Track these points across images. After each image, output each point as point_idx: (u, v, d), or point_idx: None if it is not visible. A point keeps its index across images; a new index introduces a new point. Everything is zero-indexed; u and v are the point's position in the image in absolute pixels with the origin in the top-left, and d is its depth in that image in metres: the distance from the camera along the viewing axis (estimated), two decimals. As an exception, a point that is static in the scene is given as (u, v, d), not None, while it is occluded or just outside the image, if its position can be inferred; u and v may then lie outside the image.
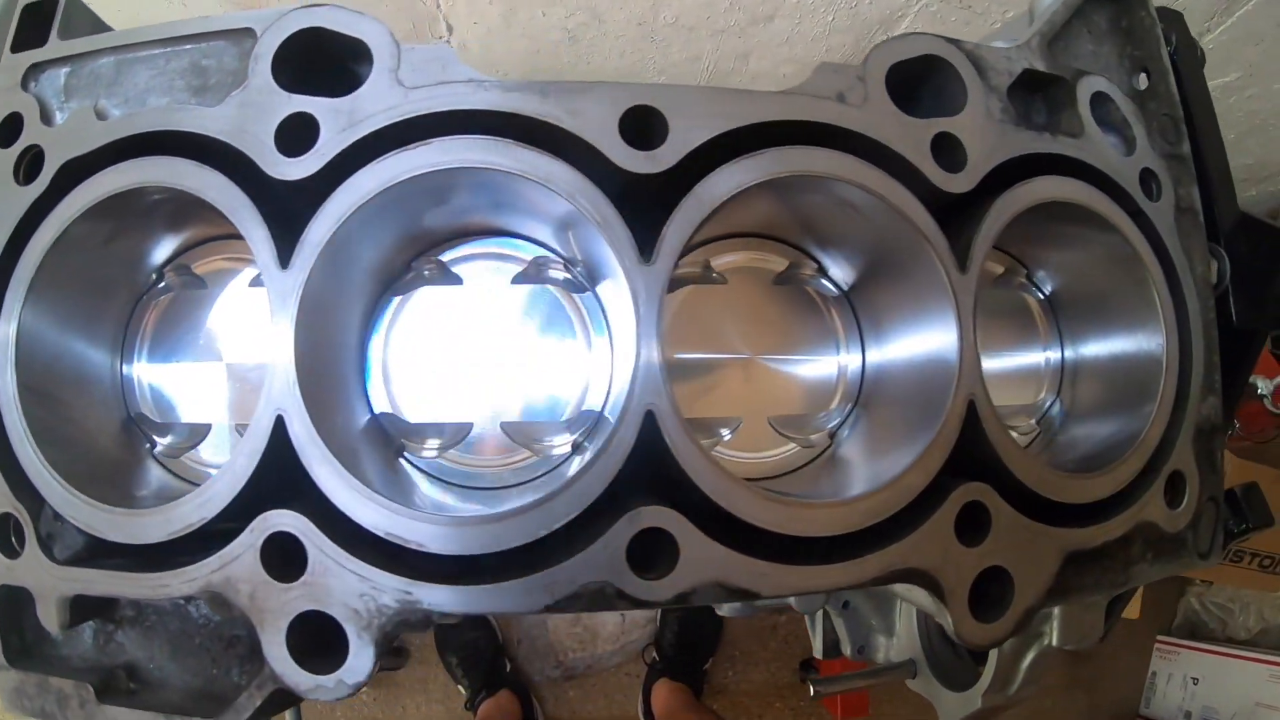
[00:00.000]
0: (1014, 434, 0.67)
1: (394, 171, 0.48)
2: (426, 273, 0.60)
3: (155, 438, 0.59)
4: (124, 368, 0.59)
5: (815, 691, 0.95)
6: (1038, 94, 0.62)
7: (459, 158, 0.48)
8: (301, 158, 0.47)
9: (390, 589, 0.45)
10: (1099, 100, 0.61)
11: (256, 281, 0.57)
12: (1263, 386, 0.93)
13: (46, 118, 0.53)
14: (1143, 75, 0.68)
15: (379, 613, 0.45)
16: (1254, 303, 0.72)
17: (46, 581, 0.48)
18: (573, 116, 0.49)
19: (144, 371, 0.60)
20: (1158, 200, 0.61)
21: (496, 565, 0.47)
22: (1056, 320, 0.70)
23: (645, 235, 0.49)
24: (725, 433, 0.63)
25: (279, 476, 0.46)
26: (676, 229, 0.49)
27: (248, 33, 0.51)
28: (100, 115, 0.52)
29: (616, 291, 0.50)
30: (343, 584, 0.45)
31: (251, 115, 0.48)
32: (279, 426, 0.46)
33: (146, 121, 0.50)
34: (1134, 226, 0.60)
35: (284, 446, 0.46)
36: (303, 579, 0.45)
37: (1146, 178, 0.61)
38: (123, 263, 0.58)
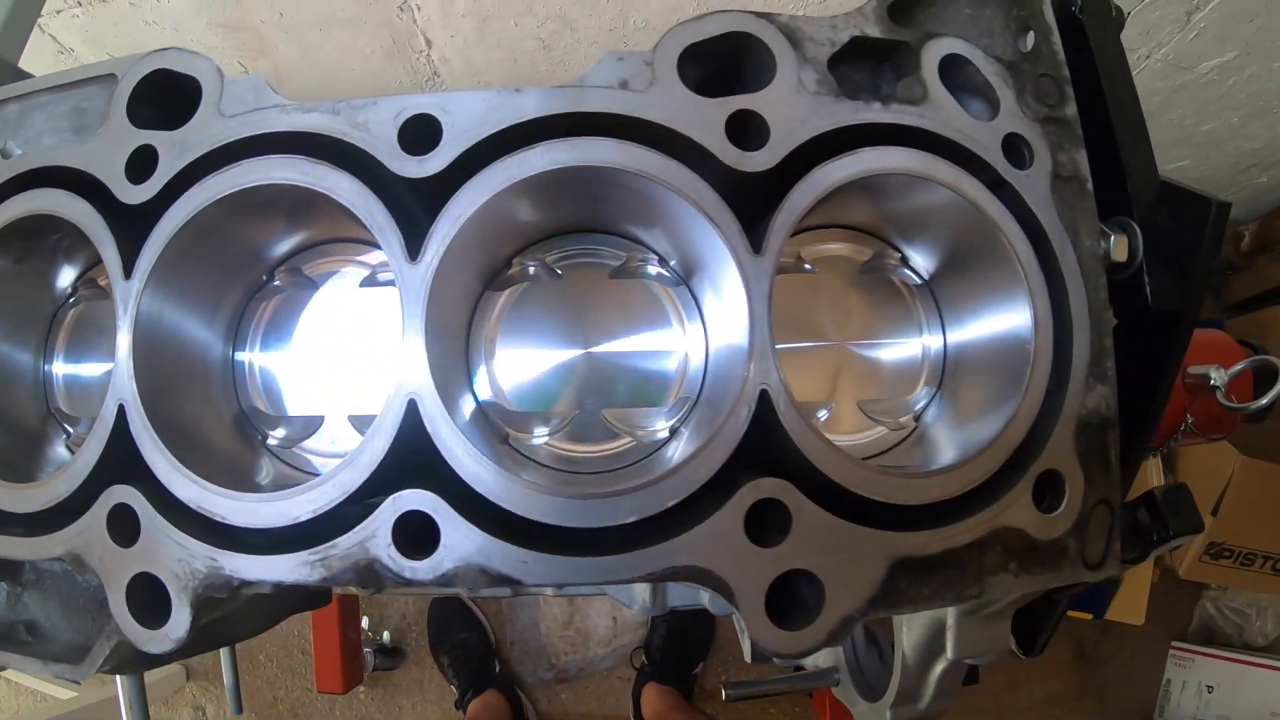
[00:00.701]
0: (883, 428, 0.60)
1: (206, 195, 0.49)
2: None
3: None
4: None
5: (727, 695, 0.88)
6: (884, 62, 0.53)
7: (260, 176, 0.48)
8: (145, 184, 0.49)
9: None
10: (951, 63, 0.50)
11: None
12: (1216, 377, 0.81)
13: None
14: (1029, 35, 0.60)
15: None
16: (1174, 280, 0.63)
17: None
18: (358, 130, 0.47)
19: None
20: (1028, 168, 0.50)
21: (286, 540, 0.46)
22: (938, 307, 0.62)
23: (413, 239, 0.47)
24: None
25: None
26: (444, 225, 0.46)
27: (111, 77, 0.53)
28: (5, 155, 0.57)
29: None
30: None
31: (109, 149, 0.51)
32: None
33: (36, 159, 0.54)
34: (991, 197, 0.48)
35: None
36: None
37: (1013, 143, 0.50)
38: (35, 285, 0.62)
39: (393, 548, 0.44)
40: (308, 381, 0.60)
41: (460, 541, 0.43)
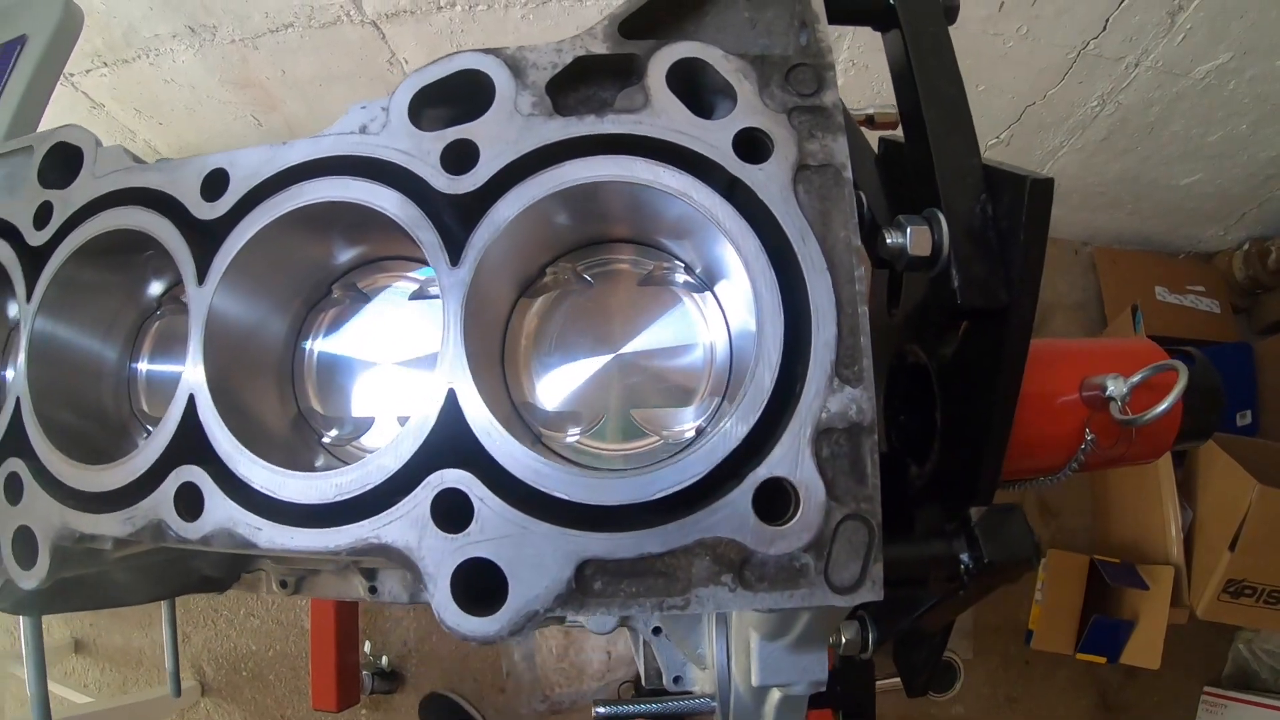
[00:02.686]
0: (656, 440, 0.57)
1: (79, 238, 0.59)
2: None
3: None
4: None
5: (596, 715, 0.84)
6: (617, 73, 0.52)
7: (113, 222, 0.57)
8: (42, 231, 0.60)
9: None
10: (684, 69, 0.50)
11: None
12: (1113, 388, 0.72)
13: None
14: (803, 31, 0.58)
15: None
16: (989, 272, 0.57)
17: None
18: (172, 184, 0.55)
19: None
20: (764, 161, 0.51)
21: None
22: (722, 309, 0.60)
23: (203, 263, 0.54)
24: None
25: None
26: (224, 254, 0.53)
27: (29, 149, 0.64)
28: None
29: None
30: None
31: (21, 205, 0.62)
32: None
33: None
34: (708, 192, 0.48)
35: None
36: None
37: (747, 139, 0.50)
38: None
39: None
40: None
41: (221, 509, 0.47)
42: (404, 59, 1.75)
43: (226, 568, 0.94)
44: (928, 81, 0.61)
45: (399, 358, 0.62)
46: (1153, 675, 1.81)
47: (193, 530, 0.49)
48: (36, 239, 0.60)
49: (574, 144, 0.48)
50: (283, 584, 1.06)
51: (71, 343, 0.64)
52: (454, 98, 0.51)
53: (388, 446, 0.45)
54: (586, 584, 0.43)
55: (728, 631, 0.86)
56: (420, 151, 0.49)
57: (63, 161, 0.62)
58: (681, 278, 0.58)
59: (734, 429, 0.45)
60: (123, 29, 1.74)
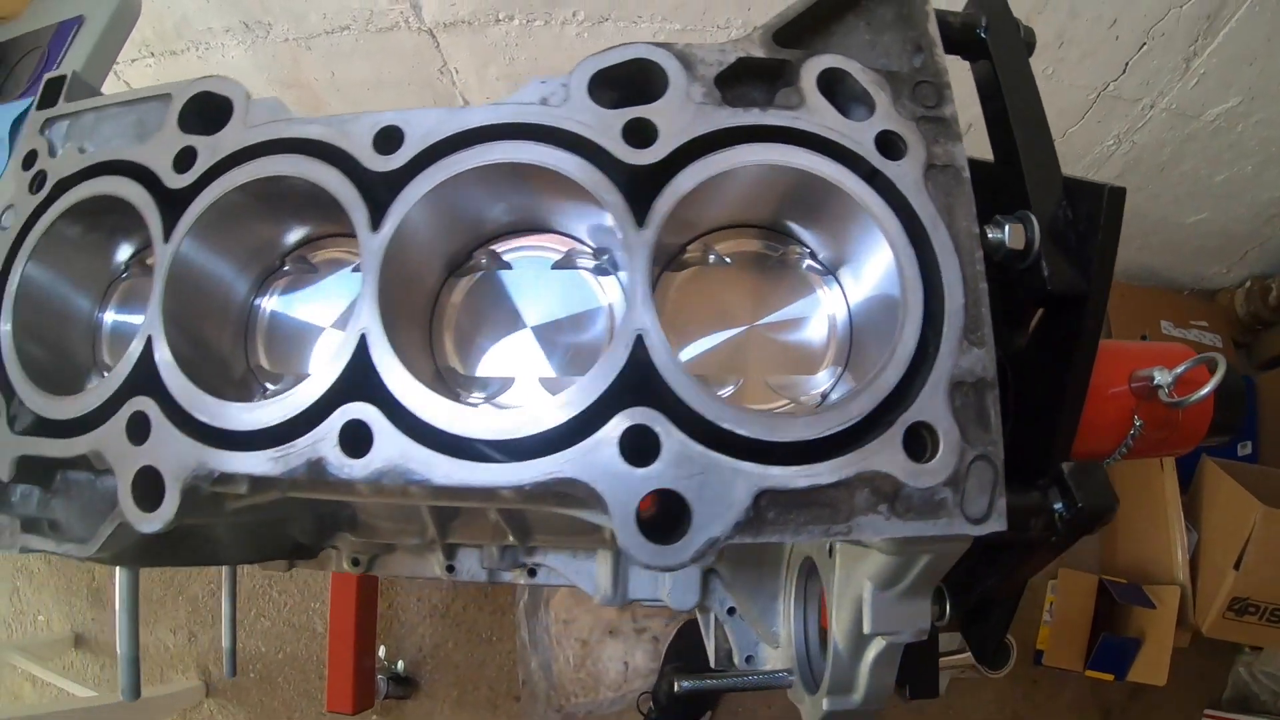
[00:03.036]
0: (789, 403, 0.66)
1: (226, 184, 0.63)
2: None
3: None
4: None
5: (678, 688, 0.90)
6: (776, 80, 0.61)
7: (270, 169, 0.62)
8: (184, 174, 0.64)
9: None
10: (831, 76, 0.59)
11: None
12: (1160, 378, 0.83)
13: (52, 152, 0.74)
14: (918, 55, 0.68)
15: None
16: (1073, 264, 0.67)
17: (6, 446, 0.64)
18: (342, 137, 0.60)
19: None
20: (901, 158, 0.59)
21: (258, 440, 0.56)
22: (843, 292, 0.68)
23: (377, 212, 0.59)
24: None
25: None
26: (402, 203, 0.58)
27: (167, 97, 0.69)
28: (82, 151, 0.72)
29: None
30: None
31: (162, 147, 0.66)
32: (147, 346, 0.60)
33: (105, 154, 0.69)
34: (857, 179, 0.56)
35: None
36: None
37: (886, 139, 0.58)
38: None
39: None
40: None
41: (394, 446, 0.50)
42: (454, 68, 1.84)
43: (315, 535, 0.99)
44: (1016, 105, 0.71)
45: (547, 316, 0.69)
46: (1156, 696, 1.89)
47: (359, 468, 0.52)
48: (176, 182, 0.64)
49: (742, 131, 0.57)
50: (355, 562, 1.11)
51: (206, 280, 0.68)
52: (619, 83, 0.59)
53: (580, 385, 0.52)
54: (762, 514, 0.50)
55: (805, 607, 0.94)
56: (601, 125, 0.56)
57: (206, 110, 0.66)
58: (807, 262, 0.67)
59: (887, 379, 0.53)
60: (175, 20, 1.80)
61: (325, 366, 0.55)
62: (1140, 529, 1.96)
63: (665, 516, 0.50)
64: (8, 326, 0.69)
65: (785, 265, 0.67)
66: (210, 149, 0.64)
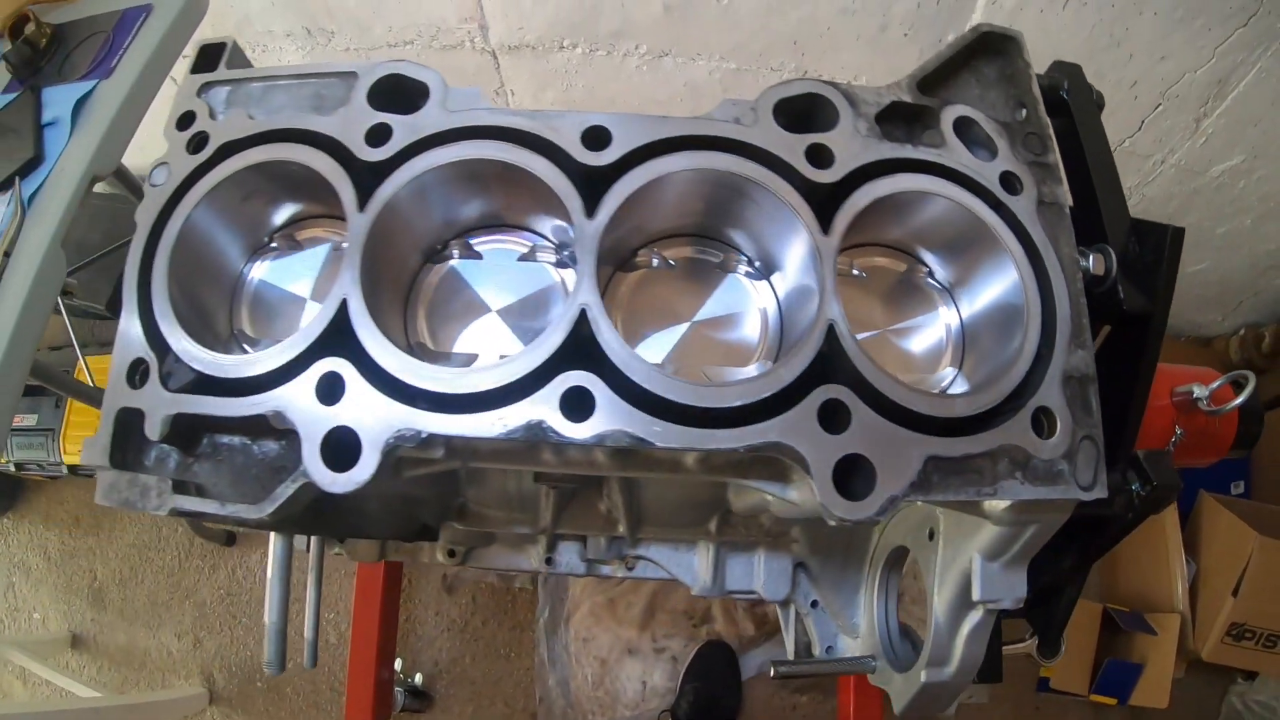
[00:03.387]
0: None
1: (437, 158, 0.71)
2: (456, 252, 0.81)
3: (248, 348, 0.80)
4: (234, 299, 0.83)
5: (775, 672, 1.02)
6: (916, 121, 0.77)
7: (477, 152, 0.72)
8: (378, 149, 0.72)
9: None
10: (963, 123, 0.75)
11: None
12: (1199, 391, 1.01)
13: (213, 116, 0.80)
14: (1023, 110, 0.85)
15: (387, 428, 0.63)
16: (1140, 290, 0.84)
17: (157, 404, 0.68)
18: (551, 131, 0.71)
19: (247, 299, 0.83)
20: (1019, 195, 0.75)
21: (471, 403, 0.64)
22: (957, 307, 0.84)
23: (591, 202, 0.70)
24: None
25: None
26: (615, 196, 0.70)
27: (352, 75, 0.77)
28: (250, 118, 0.78)
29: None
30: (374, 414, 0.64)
31: (351, 121, 0.73)
32: (342, 307, 0.67)
33: (281, 121, 0.76)
34: (985, 207, 0.71)
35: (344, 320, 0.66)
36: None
37: (1007, 178, 0.73)
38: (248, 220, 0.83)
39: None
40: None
41: (615, 411, 0.63)
42: (510, 90, 1.99)
43: (437, 518, 1.10)
44: (1093, 155, 0.88)
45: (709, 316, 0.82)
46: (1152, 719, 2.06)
47: (580, 430, 0.62)
48: (370, 155, 0.71)
49: (901, 162, 0.72)
50: (450, 553, 1.21)
51: (390, 249, 0.75)
52: (790, 111, 0.74)
53: (787, 361, 0.66)
54: (928, 477, 0.64)
55: (886, 599, 1.08)
56: (785, 145, 0.71)
57: (397, 91, 0.75)
58: (928, 280, 0.83)
59: (1018, 370, 0.69)
60: (237, 19, 1.90)
61: (547, 336, 0.65)
62: (1142, 560, 2.15)
63: (851, 477, 0.64)
64: (162, 282, 0.72)
65: (913, 284, 0.83)
66: (408, 127, 0.73)
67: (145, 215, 0.76)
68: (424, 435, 0.64)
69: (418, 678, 2.10)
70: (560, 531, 1.12)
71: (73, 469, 2.10)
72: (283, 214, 0.85)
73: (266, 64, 2.02)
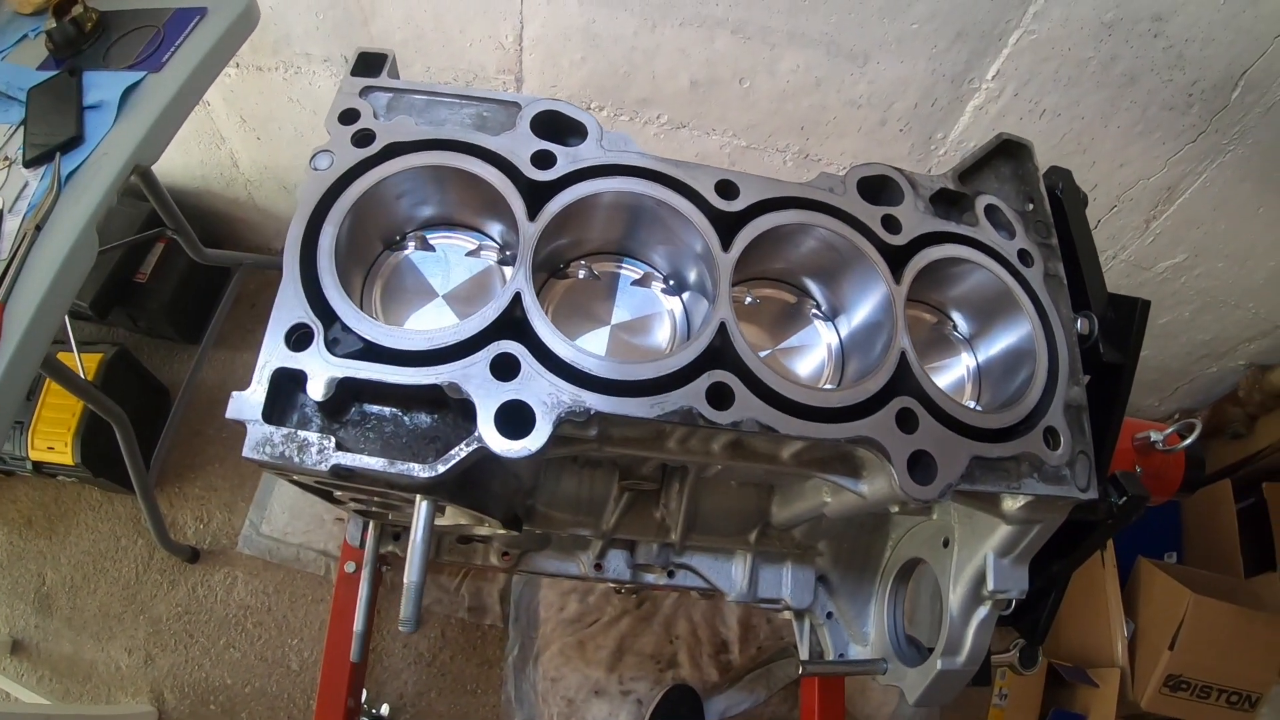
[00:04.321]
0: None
1: (594, 188, 0.94)
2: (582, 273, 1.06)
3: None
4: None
5: (803, 670, 1.26)
6: (955, 202, 1.08)
7: (631, 188, 0.95)
8: (548, 171, 0.93)
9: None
10: (990, 209, 1.05)
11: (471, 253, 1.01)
12: (1155, 436, 1.35)
13: (376, 116, 0.97)
14: (1030, 202, 1.18)
15: (558, 404, 0.82)
16: (1115, 347, 1.15)
17: (324, 368, 0.81)
18: (692, 179, 0.96)
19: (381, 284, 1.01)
20: (1031, 267, 1.05)
21: (632, 389, 0.85)
22: (974, 352, 1.15)
23: (725, 239, 0.95)
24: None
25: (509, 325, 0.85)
26: (743, 236, 0.96)
27: (515, 105, 0.99)
28: (415, 124, 0.96)
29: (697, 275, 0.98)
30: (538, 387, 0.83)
31: (518, 144, 0.95)
32: (515, 299, 0.87)
33: (450, 133, 0.95)
34: (1005, 272, 1.01)
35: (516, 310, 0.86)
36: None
37: (1023, 254, 1.04)
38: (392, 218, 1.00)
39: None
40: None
41: (749, 404, 0.89)
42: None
43: (521, 510, 1.29)
44: (1079, 241, 1.21)
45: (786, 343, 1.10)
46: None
47: (722, 417, 0.86)
48: (537, 175, 0.91)
49: (949, 234, 1.03)
50: (504, 554, 1.42)
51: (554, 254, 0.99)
52: (863, 186, 1.03)
53: (874, 374, 0.94)
54: (972, 471, 0.92)
55: (895, 608, 1.35)
56: (866, 214, 0.99)
57: (554, 124, 0.96)
58: (954, 333, 1.13)
59: (1032, 397, 0.98)
60: (276, 37, 2.11)
61: (692, 343, 0.89)
62: (1084, 619, 2.50)
63: (917, 466, 0.92)
64: (329, 257, 0.87)
65: (942, 336, 1.13)
66: (570, 157, 0.95)
67: (309, 195, 0.91)
68: (592, 411, 0.83)
69: (384, 708, 2.22)
70: (616, 536, 1.34)
71: (38, 467, 2.17)
72: (421, 216, 1.04)
73: (298, 88, 2.24)
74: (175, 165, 2.72)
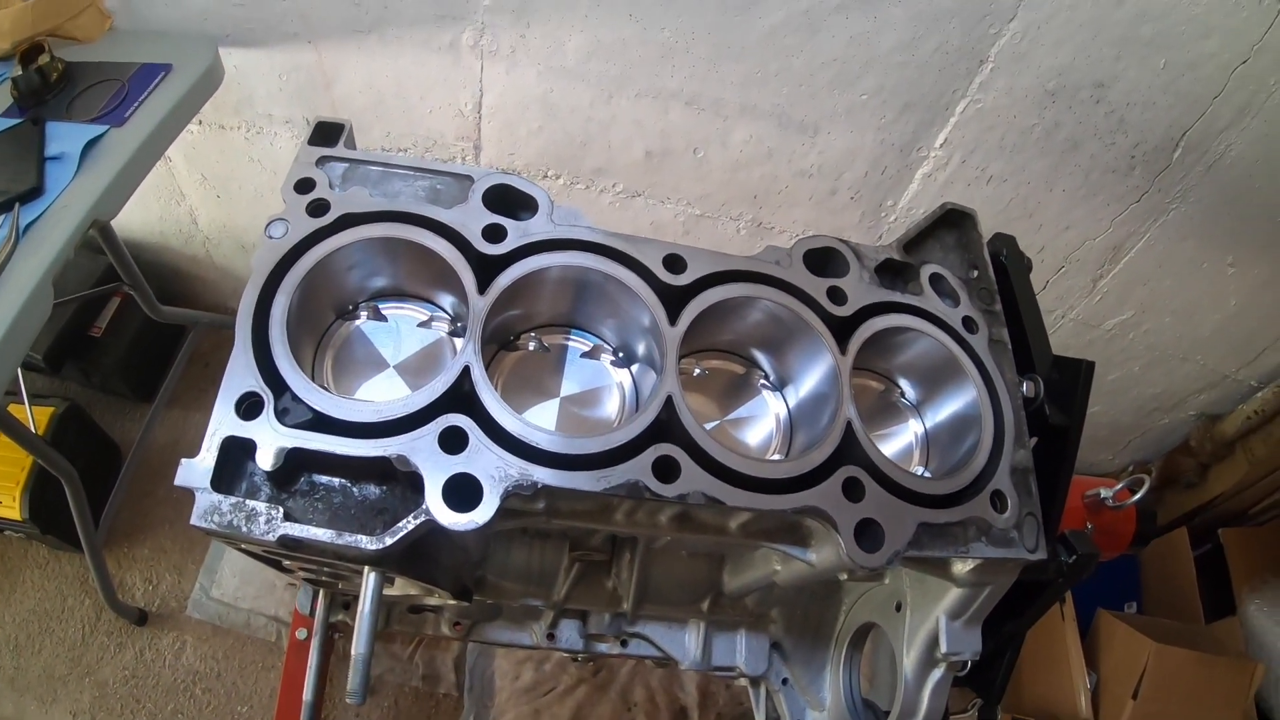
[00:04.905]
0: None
1: (542, 262, 0.96)
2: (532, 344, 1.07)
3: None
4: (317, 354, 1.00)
5: None
6: (900, 272, 1.12)
7: (579, 262, 0.97)
8: (498, 245, 0.95)
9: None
10: (934, 277, 1.08)
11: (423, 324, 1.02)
12: (1105, 493, 1.38)
13: (331, 186, 0.98)
14: (974, 270, 1.22)
15: (505, 478, 0.82)
16: (1061, 409, 1.19)
17: (274, 437, 0.81)
18: (640, 253, 0.98)
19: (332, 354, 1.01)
20: (975, 334, 1.09)
21: (579, 463, 0.86)
22: (922, 418, 1.17)
23: (672, 312, 0.96)
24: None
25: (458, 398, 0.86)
26: (690, 310, 0.98)
27: (468, 178, 1.01)
28: (370, 195, 0.97)
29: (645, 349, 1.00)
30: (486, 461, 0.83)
31: (469, 218, 0.96)
32: (464, 373, 0.87)
33: (403, 205, 0.97)
34: (950, 339, 1.04)
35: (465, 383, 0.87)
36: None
37: (967, 321, 1.08)
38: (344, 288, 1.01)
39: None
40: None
41: (695, 477, 0.90)
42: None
43: (471, 581, 1.28)
44: (1024, 306, 1.25)
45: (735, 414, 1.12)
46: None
47: (669, 490, 0.87)
48: (488, 249, 0.93)
49: (894, 304, 1.06)
50: (456, 624, 1.40)
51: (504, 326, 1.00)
52: (809, 259, 1.06)
53: (820, 444, 0.95)
54: (919, 537, 0.93)
55: (850, 675, 1.35)
56: (812, 286, 1.02)
57: (505, 198, 0.98)
58: (902, 400, 1.16)
59: (978, 462, 1.00)
60: (239, 97, 2.13)
61: (638, 417, 0.91)
62: (1047, 672, 2.50)
63: (864, 534, 0.93)
64: (281, 326, 0.88)
65: (887, 405, 1.16)
66: (520, 231, 0.97)
67: (263, 263, 0.92)
68: (540, 485, 0.84)
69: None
70: (568, 606, 1.33)
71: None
72: (374, 286, 1.05)
73: (259, 148, 2.26)
74: (134, 220, 2.71)
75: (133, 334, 2.61)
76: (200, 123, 2.21)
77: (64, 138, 1.71)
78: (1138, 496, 1.31)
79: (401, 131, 2.11)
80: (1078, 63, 1.70)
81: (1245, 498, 2.85)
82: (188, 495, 0.80)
